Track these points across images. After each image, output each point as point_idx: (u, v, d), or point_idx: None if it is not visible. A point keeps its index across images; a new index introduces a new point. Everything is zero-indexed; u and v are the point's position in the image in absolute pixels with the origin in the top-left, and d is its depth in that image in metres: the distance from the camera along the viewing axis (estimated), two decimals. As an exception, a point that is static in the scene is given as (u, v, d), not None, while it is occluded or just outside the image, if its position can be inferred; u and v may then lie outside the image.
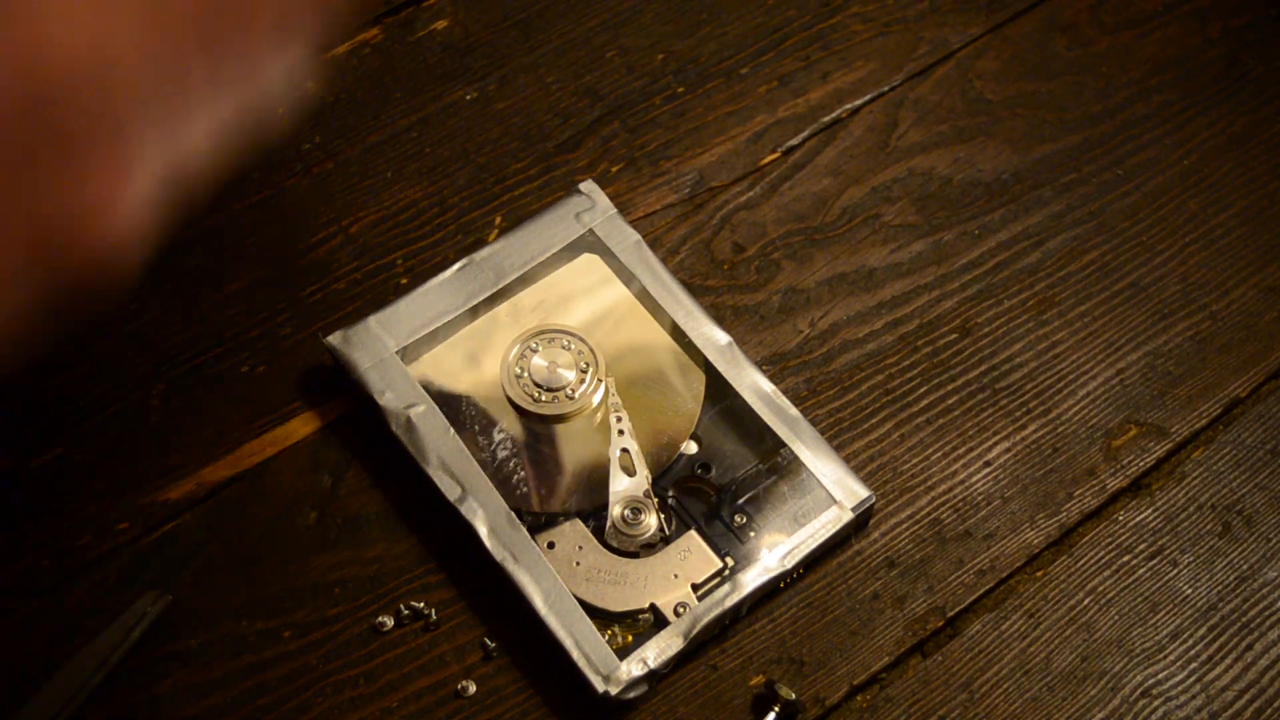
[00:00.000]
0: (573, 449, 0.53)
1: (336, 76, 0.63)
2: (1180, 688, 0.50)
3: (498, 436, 0.52)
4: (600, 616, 0.48)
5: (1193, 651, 0.51)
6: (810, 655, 0.50)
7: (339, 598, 0.50)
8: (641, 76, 0.64)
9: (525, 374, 0.54)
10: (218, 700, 0.48)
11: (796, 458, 0.52)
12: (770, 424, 0.52)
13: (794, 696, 0.48)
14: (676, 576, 0.49)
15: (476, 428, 0.53)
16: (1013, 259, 0.60)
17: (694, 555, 0.50)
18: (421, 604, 0.50)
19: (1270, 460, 0.55)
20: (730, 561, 0.50)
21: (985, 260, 0.60)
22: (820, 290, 0.58)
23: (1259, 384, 0.57)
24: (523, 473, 0.52)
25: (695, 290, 0.57)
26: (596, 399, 0.54)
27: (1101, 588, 0.52)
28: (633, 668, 0.47)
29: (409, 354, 0.54)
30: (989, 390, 0.56)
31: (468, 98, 0.63)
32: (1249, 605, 0.52)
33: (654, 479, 0.52)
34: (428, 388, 0.53)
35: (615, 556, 0.50)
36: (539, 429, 0.53)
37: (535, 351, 0.54)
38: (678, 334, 0.55)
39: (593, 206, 0.57)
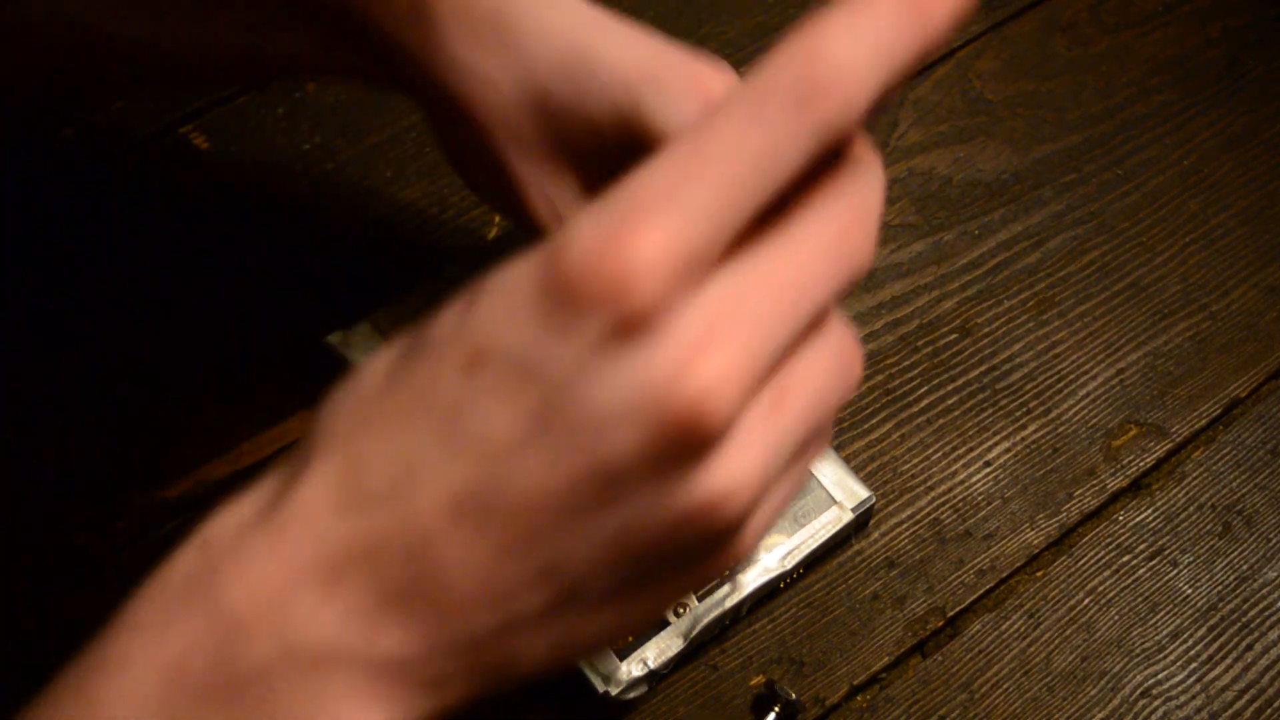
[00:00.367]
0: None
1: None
2: (1180, 688, 0.50)
3: (498, 436, 0.52)
4: (600, 616, 0.48)
5: (1193, 651, 0.51)
6: (810, 655, 0.50)
7: (339, 597, 0.50)
8: (641, 76, 0.64)
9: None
10: (217, 700, 0.48)
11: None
12: (770, 424, 0.52)
13: (794, 696, 0.48)
14: (676, 576, 0.49)
15: (476, 427, 0.52)
16: (1013, 259, 0.60)
17: (694, 555, 0.50)
18: (421, 604, 0.50)
19: (1270, 460, 0.55)
20: (730, 561, 0.50)
21: (985, 260, 0.60)
22: (820, 290, 0.58)
23: (1259, 384, 0.57)
24: (523, 472, 0.52)
25: (695, 290, 0.57)
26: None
27: (1101, 588, 0.52)
28: (632, 668, 0.47)
29: (409, 354, 0.53)
30: (989, 390, 0.56)
31: (467, 97, 0.63)
32: (1249, 605, 0.52)
33: (654, 479, 0.52)
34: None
35: (615, 556, 0.50)
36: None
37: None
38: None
39: (593, 206, 0.57)
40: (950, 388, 0.56)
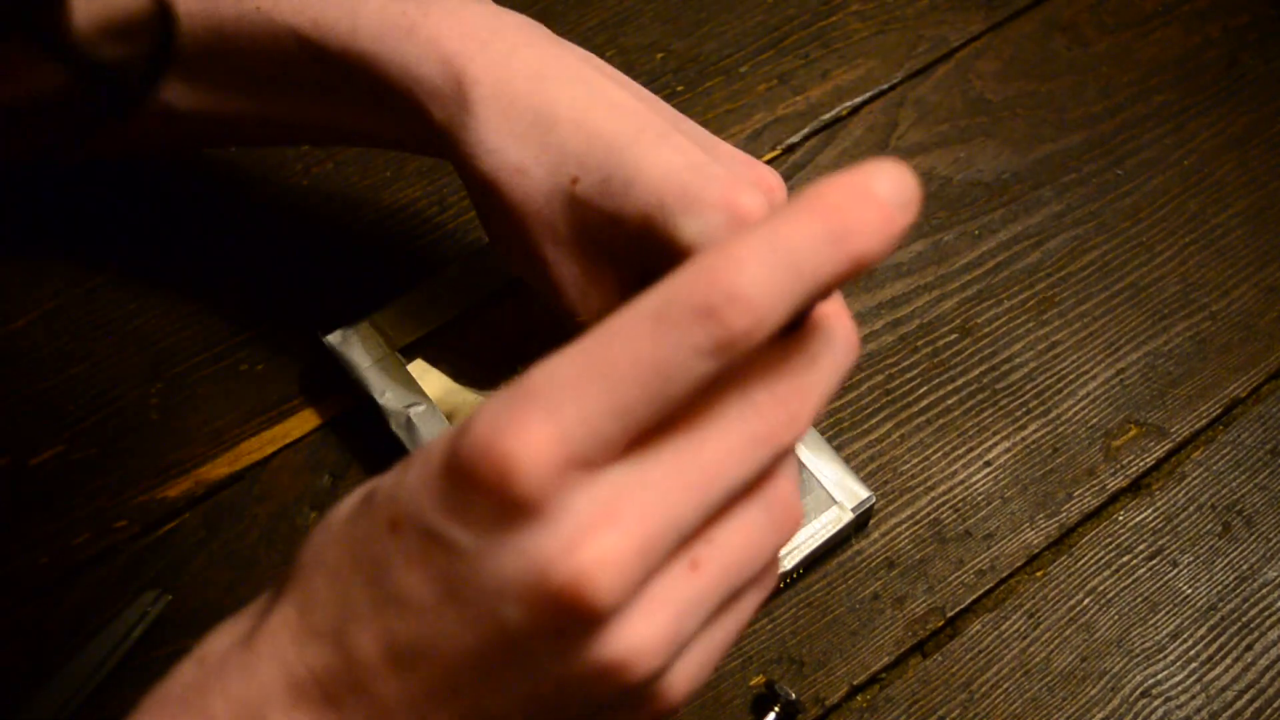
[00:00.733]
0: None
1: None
2: (1180, 688, 0.50)
3: (497, 436, 0.52)
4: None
5: (1193, 651, 0.51)
6: (810, 655, 0.50)
7: (339, 597, 0.50)
8: (640, 75, 0.64)
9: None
10: (217, 700, 0.48)
11: (796, 458, 0.52)
12: (770, 424, 0.52)
13: (794, 696, 0.48)
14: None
15: (476, 427, 0.52)
16: (1013, 259, 0.60)
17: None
18: (421, 604, 0.50)
19: (1270, 460, 0.55)
20: (730, 561, 0.50)
21: (985, 260, 0.60)
22: (820, 290, 0.58)
23: (1259, 384, 0.57)
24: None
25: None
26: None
27: (1101, 588, 0.52)
28: (633, 668, 0.47)
29: (409, 354, 0.53)
30: (989, 390, 0.56)
31: (467, 97, 0.63)
32: (1249, 605, 0.52)
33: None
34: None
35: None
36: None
37: (535, 351, 0.54)
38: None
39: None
40: (950, 388, 0.56)
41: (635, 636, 0.28)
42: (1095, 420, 0.56)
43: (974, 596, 0.51)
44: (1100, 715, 0.49)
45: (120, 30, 0.39)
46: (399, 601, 0.28)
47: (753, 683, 0.49)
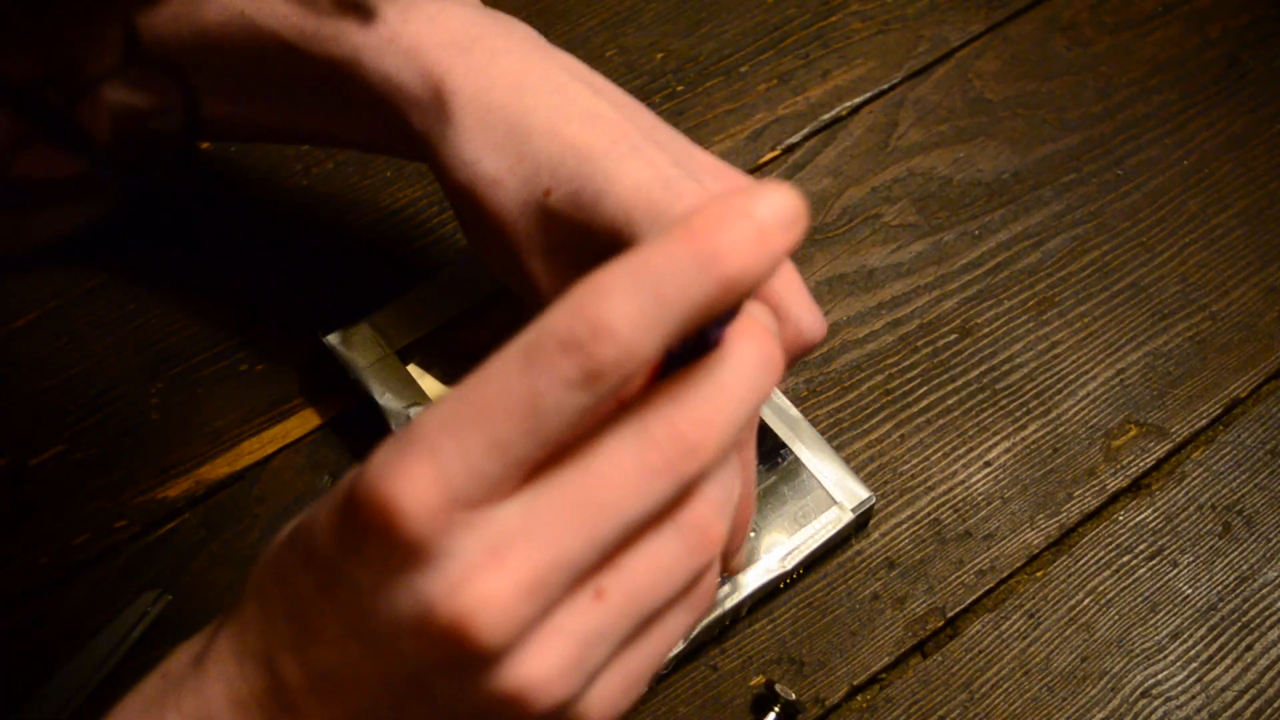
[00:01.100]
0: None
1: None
2: (1180, 688, 0.50)
3: (497, 436, 0.52)
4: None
5: (1193, 651, 0.51)
6: (810, 655, 0.50)
7: (338, 597, 0.50)
8: (641, 75, 0.64)
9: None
10: (217, 700, 0.48)
11: (796, 458, 0.52)
12: (770, 424, 0.52)
13: (794, 696, 0.48)
14: (676, 576, 0.49)
15: (476, 427, 0.52)
16: (1013, 259, 0.60)
17: (694, 555, 0.50)
18: (421, 604, 0.50)
19: (1270, 460, 0.55)
20: (730, 561, 0.50)
21: (985, 260, 0.60)
22: (820, 290, 0.58)
23: (1259, 384, 0.57)
24: (522, 472, 0.52)
25: (695, 290, 0.57)
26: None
27: (1101, 588, 0.52)
28: (633, 668, 0.47)
29: (409, 354, 0.53)
30: (989, 390, 0.56)
31: (467, 97, 0.63)
32: (1249, 605, 0.52)
33: (654, 479, 0.52)
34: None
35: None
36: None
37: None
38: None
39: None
40: (950, 388, 0.56)
41: (531, 668, 0.28)
42: (1095, 420, 0.56)
43: (974, 597, 0.51)
44: (1100, 715, 0.49)
45: (142, 136, 0.39)
46: (314, 633, 0.29)
47: (753, 683, 0.49)
